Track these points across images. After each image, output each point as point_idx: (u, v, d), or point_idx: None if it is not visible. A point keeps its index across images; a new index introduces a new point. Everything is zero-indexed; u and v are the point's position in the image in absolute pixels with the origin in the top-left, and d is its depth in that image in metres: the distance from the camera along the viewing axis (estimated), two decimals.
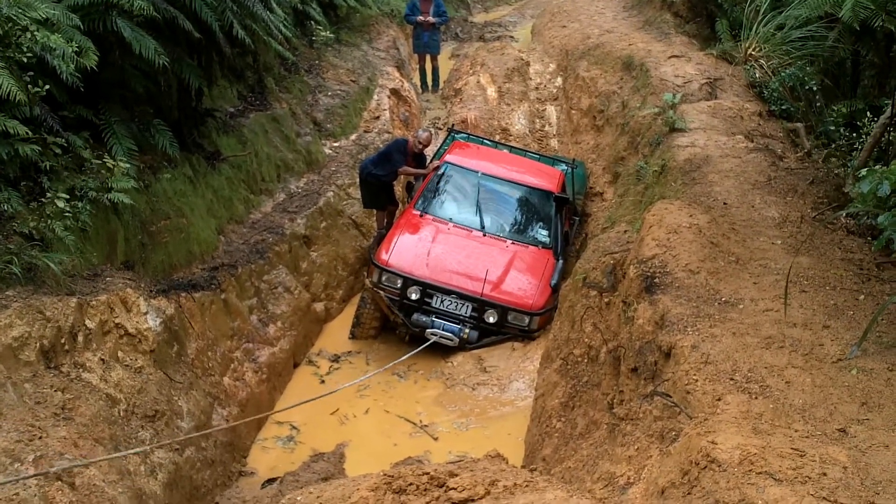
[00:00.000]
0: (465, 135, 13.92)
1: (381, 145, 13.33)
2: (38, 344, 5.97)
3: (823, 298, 6.52)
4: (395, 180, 12.15)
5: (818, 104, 11.06)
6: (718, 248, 7.18)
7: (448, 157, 12.25)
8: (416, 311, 10.37)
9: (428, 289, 10.37)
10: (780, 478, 4.31)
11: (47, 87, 7.07)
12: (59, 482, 5.07)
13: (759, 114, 11.28)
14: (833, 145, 9.93)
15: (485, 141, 13.98)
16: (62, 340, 6.24)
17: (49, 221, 6.87)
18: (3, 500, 4.69)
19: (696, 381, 5.51)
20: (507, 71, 17.58)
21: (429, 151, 12.69)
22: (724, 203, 8.28)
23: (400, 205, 12.49)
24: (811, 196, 8.51)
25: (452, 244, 10.91)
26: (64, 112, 7.73)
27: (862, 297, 6.56)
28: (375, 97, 15.59)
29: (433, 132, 14.12)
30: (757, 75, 12.45)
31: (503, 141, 14.98)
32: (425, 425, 9.31)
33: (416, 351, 9.80)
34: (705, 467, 4.56)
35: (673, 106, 11.01)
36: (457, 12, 23.62)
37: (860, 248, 7.41)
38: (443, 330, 10.20)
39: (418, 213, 11.46)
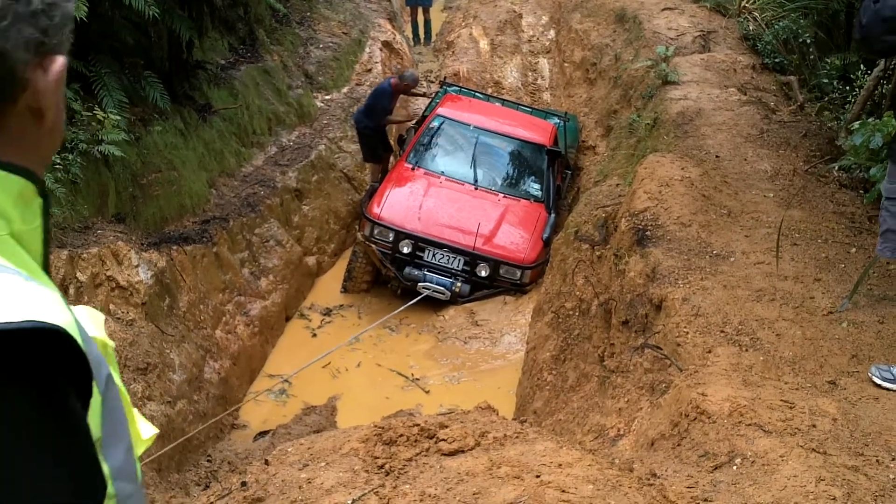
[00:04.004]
0: (457, 88, 13.86)
1: None
2: None
3: (815, 251, 6.53)
4: (386, 126, 12.14)
5: (811, 57, 10.99)
6: (710, 201, 7.17)
7: (440, 111, 12.18)
8: (407, 265, 10.36)
9: (420, 242, 10.35)
10: (769, 429, 4.34)
11: None
12: None
13: (752, 67, 11.22)
14: (826, 98, 9.90)
15: (477, 94, 13.92)
16: None
17: None
18: None
19: (687, 333, 5.53)
20: (500, 23, 17.45)
21: (420, 105, 12.61)
22: (717, 156, 8.26)
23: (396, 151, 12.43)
24: (804, 149, 8.50)
25: (444, 198, 10.88)
26: None
27: (853, 250, 6.58)
28: (367, 50, 15.46)
29: (420, 74, 14.05)
30: (750, 28, 12.36)
31: (495, 94, 14.91)
32: (417, 378, 9.35)
33: (407, 305, 9.81)
34: (695, 419, 4.59)
35: (666, 59, 10.95)
36: None
37: (852, 202, 7.41)
38: (435, 283, 10.20)
39: (410, 166, 11.42)
